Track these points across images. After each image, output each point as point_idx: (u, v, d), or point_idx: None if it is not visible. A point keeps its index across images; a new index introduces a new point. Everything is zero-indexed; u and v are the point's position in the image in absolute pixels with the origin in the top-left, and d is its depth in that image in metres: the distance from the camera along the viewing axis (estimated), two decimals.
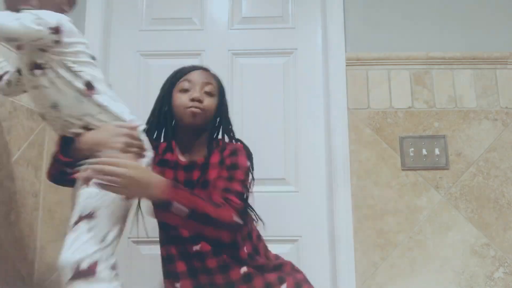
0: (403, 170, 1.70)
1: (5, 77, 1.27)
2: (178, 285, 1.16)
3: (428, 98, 1.74)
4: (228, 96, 1.32)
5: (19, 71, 1.19)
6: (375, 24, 1.81)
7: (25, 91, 1.22)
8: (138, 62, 1.86)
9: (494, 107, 1.73)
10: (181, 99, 1.19)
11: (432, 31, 1.80)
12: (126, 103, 1.80)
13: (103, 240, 0.95)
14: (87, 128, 1.07)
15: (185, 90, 1.20)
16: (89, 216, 0.95)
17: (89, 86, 1.07)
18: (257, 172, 1.74)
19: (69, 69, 1.05)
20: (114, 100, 1.14)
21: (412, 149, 1.70)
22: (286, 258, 1.70)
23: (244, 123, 1.77)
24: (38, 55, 1.04)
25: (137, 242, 1.70)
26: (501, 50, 1.76)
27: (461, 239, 1.65)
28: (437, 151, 1.70)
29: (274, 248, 1.71)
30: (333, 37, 1.79)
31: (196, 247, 1.14)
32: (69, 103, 1.06)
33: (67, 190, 1.70)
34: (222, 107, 1.25)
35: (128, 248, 1.69)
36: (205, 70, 1.26)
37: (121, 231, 1.03)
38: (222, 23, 1.89)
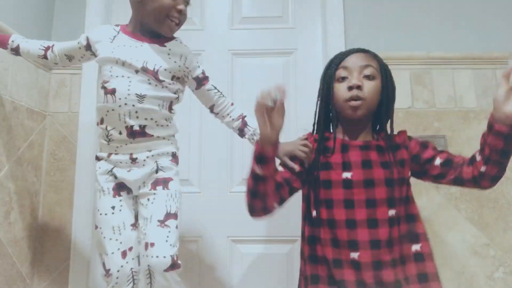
0: None
1: (57, 51, 1.32)
2: None
3: (428, 98, 1.74)
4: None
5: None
6: (375, 24, 1.81)
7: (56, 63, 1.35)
8: None
9: None
10: (339, 91, 1.11)
11: (432, 31, 1.80)
12: None
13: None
14: None
15: (343, 79, 1.11)
16: (176, 215, 1.15)
17: None
18: None
19: None
20: None
21: None
22: (286, 258, 1.72)
23: None
24: None
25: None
26: (501, 50, 1.76)
27: (461, 239, 1.65)
28: None
29: (274, 248, 1.73)
30: (333, 37, 1.78)
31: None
32: None
33: (67, 190, 1.72)
34: (386, 90, 1.14)
35: None
36: (363, 51, 1.15)
37: None
38: (222, 23, 1.89)
